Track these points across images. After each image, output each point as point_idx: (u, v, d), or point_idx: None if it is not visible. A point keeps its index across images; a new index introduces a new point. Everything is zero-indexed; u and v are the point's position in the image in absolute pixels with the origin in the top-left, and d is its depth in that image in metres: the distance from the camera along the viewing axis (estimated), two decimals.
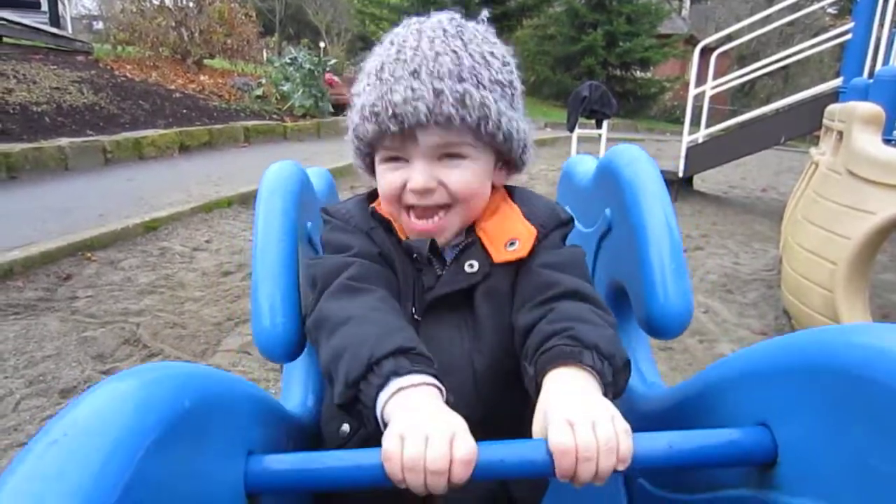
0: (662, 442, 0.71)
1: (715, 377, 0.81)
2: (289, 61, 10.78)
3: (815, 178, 3.40)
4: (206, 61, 11.76)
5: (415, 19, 0.94)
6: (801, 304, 3.08)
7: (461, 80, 0.86)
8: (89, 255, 3.81)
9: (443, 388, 0.72)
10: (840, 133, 3.11)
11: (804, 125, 6.23)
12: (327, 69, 11.38)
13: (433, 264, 0.93)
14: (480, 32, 0.93)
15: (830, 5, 20.78)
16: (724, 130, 7.39)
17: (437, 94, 0.85)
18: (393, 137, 0.88)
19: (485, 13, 0.96)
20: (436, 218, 0.92)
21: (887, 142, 3.07)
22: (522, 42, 21.61)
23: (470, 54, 0.88)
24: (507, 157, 0.98)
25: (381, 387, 0.70)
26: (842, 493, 0.59)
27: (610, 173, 1.12)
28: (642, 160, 1.08)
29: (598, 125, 8.02)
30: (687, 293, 0.97)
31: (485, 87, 0.88)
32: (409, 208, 0.92)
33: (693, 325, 2.86)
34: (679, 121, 8.22)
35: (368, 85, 0.91)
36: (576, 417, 0.65)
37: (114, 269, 3.69)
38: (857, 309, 2.71)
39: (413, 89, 0.85)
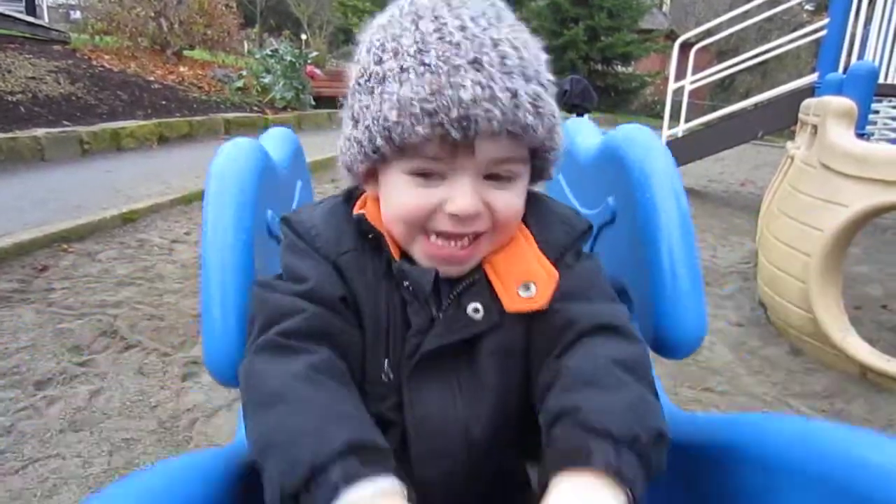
0: None
1: (744, 440, 0.68)
2: (270, 53, 10.69)
3: (791, 172, 3.45)
4: (185, 52, 11.60)
5: None
6: (775, 296, 3.13)
7: (527, 78, 0.68)
8: (66, 246, 3.76)
9: (404, 490, 0.59)
10: (815, 127, 3.16)
11: (781, 120, 6.31)
12: (309, 61, 11.31)
13: (428, 302, 0.74)
14: (507, 10, 0.73)
15: (807, 2, 21.04)
16: (703, 125, 7.46)
17: (514, 94, 0.66)
18: (441, 147, 0.67)
19: None
20: (465, 241, 0.73)
21: (860, 136, 3.13)
22: None
23: (524, 44, 0.70)
24: (535, 176, 0.80)
25: (328, 501, 0.55)
26: None
27: (617, 159, 0.96)
28: (656, 150, 0.92)
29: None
30: (702, 312, 0.84)
31: (546, 90, 0.71)
32: (430, 231, 0.73)
33: None
34: (660, 116, 8.27)
35: (404, 70, 0.67)
36: None
37: (91, 260, 3.65)
38: (830, 300, 2.77)
39: (483, 86, 0.64)
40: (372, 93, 0.70)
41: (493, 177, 0.71)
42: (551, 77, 0.73)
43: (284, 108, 10.38)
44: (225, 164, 0.88)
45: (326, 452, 0.56)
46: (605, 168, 1.04)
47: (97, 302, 3.06)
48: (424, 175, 0.70)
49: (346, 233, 0.77)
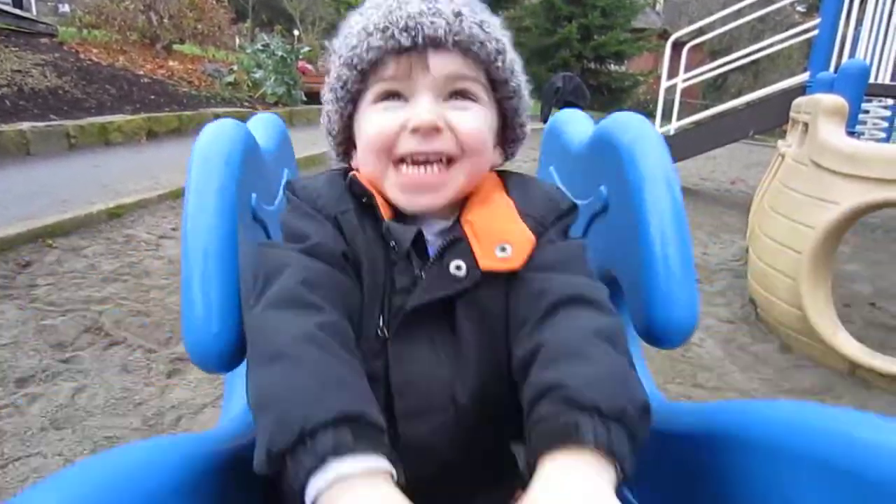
0: None
1: (728, 426, 0.66)
2: (261, 48, 10.60)
3: (782, 169, 3.45)
4: (175, 47, 11.51)
5: None
6: (766, 293, 3.13)
7: (473, 11, 0.77)
8: (50, 241, 3.71)
9: (394, 471, 0.55)
10: (806, 125, 3.15)
11: (773, 119, 6.31)
12: (300, 57, 11.23)
13: (411, 259, 0.74)
14: None
15: (799, 2, 21.13)
16: (695, 124, 7.46)
17: (457, 14, 0.74)
18: (397, 63, 0.75)
19: None
20: (436, 168, 0.76)
21: (851, 134, 3.13)
22: None
23: (477, 4, 0.81)
24: (508, 124, 0.86)
25: (314, 469, 0.52)
26: None
27: (609, 146, 0.94)
28: (649, 137, 0.89)
29: None
30: (694, 301, 0.82)
31: (496, 28, 0.80)
32: (401, 161, 0.77)
33: None
34: (652, 115, 8.31)
35: (363, 14, 0.78)
36: None
37: (76, 256, 3.59)
38: (820, 297, 2.77)
39: (428, 4, 0.74)
40: (344, 34, 0.80)
41: (454, 96, 0.77)
42: (505, 32, 0.82)
43: (275, 104, 10.32)
44: (207, 144, 0.84)
45: (319, 418, 0.53)
46: (596, 156, 1.02)
47: (82, 298, 3.01)
48: (389, 97, 0.77)
49: (345, 195, 0.80)
